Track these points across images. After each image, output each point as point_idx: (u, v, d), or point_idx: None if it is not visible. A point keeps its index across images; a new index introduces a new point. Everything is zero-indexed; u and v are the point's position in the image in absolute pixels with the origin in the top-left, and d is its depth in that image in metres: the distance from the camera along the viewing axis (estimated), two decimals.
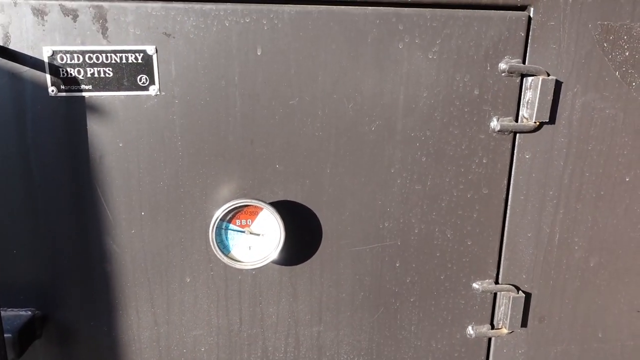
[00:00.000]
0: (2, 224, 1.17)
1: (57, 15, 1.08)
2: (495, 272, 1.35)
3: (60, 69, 1.10)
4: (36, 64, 1.09)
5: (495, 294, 1.35)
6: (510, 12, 1.18)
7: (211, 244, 1.17)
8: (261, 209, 1.17)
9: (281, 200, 1.23)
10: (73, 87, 1.11)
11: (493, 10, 1.18)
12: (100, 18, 1.09)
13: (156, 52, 1.11)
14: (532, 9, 1.19)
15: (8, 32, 1.07)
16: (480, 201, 1.28)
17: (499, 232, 1.31)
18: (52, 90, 1.11)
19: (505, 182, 1.28)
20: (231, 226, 1.18)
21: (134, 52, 1.11)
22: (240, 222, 1.18)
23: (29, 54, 1.09)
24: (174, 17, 1.10)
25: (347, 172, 1.23)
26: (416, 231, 1.29)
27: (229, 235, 1.18)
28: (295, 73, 1.16)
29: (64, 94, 1.11)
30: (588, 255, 1.36)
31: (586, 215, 1.33)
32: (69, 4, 1.07)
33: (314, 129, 1.19)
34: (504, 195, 1.29)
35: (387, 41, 1.16)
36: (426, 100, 1.20)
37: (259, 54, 1.14)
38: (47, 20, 1.08)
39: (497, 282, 1.35)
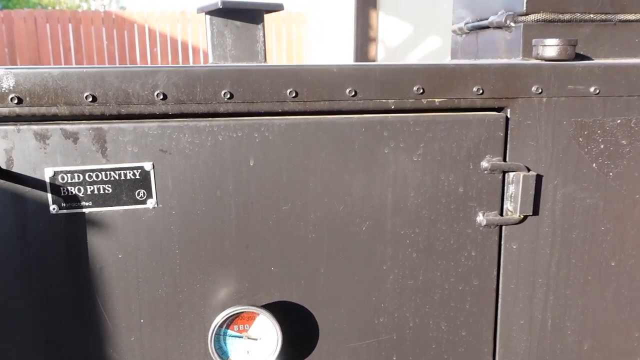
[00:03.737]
0: (5, 339, 1.18)
1: (59, 138, 1.13)
2: None
3: (61, 188, 1.15)
4: (38, 184, 1.14)
5: None
6: (489, 113, 1.25)
7: (210, 351, 1.19)
8: (258, 314, 1.20)
9: (277, 302, 1.26)
10: (74, 205, 1.16)
11: (472, 113, 1.25)
12: (100, 139, 1.14)
13: (153, 167, 1.17)
14: (508, 110, 1.26)
15: (11, 156, 1.12)
16: (472, 292, 1.32)
17: (492, 321, 1.34)
18: (54, 209, 1.15)
19: (495, 272, 1.32)
20: (229, 332, 1.20)
21: (132, 169, 1.16)
22: (238, 327, 1.21)
23: (31, 175, 1.14)
24: (169, 134, 1.16)
25: (341, 270, 1.26)
26: (411, 324, 1.31)
27: (227, 341, 1.20)
28: (287, 180, 1.21)
29: (64, 211, 1.16)
30: (581, 339, 1.39)
31: (576, 300, 1.36)
32: (70, 128, 1.13)
33: (306, 232, 1.24)
34: (495, 285, 1.33)
35: (373, 147, 1.22)
36: (413, 199, 1.25)
37: (251, 164, 1.19)
38: (48, 144, 1.13)
39: None
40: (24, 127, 1.12)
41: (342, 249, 1.25)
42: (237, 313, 1.18)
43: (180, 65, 1.42)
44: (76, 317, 1.20)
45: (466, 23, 1.70)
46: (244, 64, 1.43)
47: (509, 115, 1.25)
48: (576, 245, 1.33)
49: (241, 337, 1.20)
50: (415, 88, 1.21)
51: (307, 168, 1.21)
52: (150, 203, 1.18)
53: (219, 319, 1.18)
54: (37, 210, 1.15)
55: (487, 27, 1.58)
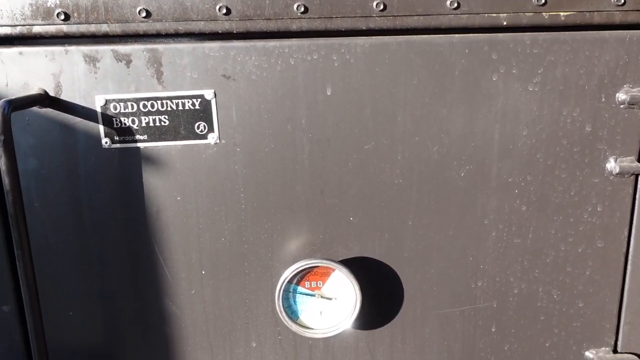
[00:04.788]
0: (57, 285, 1.08)
1: (110, 61, 0.99)
2: (614, 338, 1.12)
3: (114, 119, 1.01)
4: (88, 114, 1.01)
5: None
6: (630, 31, 0.98)
7: (278, 310, 1.03)
8: (333, 270, 1.02)
9: (356, 257, 1.07)
10: (127, 138, 1.02)
11: (608, 31, 0.98)
12: (155, 62, 0.99)
13: (215, 96, 1.00)
14: None
15: (59, 82, 0.99)
16: (595, 256, 1.08)
17: (618, 291, 1.10)
18: (106, 142, 1.02)
19: (626, 232, 1.07)
20: (300, 289, 1.04)
21: (191, 97, 1.00)
22: (310, 284, 1.04)
23: (81, 104, 1.00)
24: (233, 57, 0.98)
25: (433, 224, 1.06)
26: (516, 291, 1.09)
27: (297, 299, 1.04)
28: (370, 114, 1.01)
29: (118, 145, 1.02)
30: None
31: None
32: (121, 49, 0.98)
33: (392, 176, 1.04)
34: (624, 249, 1.08)
35: (478, 73, 0.99)
36: (526, 139, 1.02)
37: (329, 94, 1.00)
38: (99, 67, 0.99)
39: (615, 351, 1.13)
40: (72, 49, 0.98)
41: (435, 198, 1.04)
42: (309, 267, 1.02)
43: None
44: (130, 265, 1.08)
45: None
46: None
47: None
48: None
49: (313, 295, 1.04)
50: None
51: (395, 99, 1.00)
52: (212, 138, 1.02)
53: (288, 272, 1.01)
54: (87, 144, 1.02)
55: None
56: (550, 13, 0.98)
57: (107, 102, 1.00)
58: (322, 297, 1.03)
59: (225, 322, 1.11)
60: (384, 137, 1.02)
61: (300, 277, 1.04)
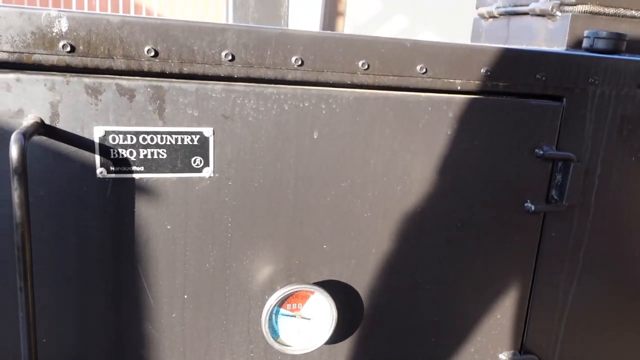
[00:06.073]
0: (40, 306, 1.07)
1: (113, 94, 1.02)
2: (520, 342, 1.40)
3: (112, 150, 1.04)
4: (85, 144, 1.02)
5: None
6: (548, 101, 1.25)
7: (264, 331, 1.13)
8: (312, 292, 1.15)
9: (326, 280, 1.21)
10: (123, 169, 1.05)
11: (534, 100, 1.24)
12: (158, 98, 1.04)
13: (213, 134, 1.08)
14: (564, 99, 1.26)
15: (57, 111, 1.00)
16: (511, 276, 1.34)
17: (526, 303, 1.37)
18: (101, 172, 1.04)
19: (534, 258, 1.34)
20: (282, 311, 1.15)
21: (190, 133, 1.07)
22: (291, 306, 1.16)
23: (78, 133, 1.02)
24: (234, 99, 1.07)
25: (393, 251, 1.24)
26: (450, 307, 1.32)
27: (278, 320, 1.15)
28: (349, 156, 1.16)
29: (112, 175, 1.05)
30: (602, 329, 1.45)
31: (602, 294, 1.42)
32: (126, 84, 1.02)
33: (362, 210, 1.20)
34: (532, 270, 1.35)
35: (437, 127, 1.19)
36: (470, 183, 1.24)
37: (315, 137, 1.13)
38: (100, 100, 1.02)
39: (520, 352, 1.40)
40: (74, 79, 1.00)
41: (396, 229, 1.23)
42: (293, 291, 1.13)
43: (251, 25, 1.32)
44: (115, 289, 1.11)
45: (497, 7, 1.69)
46: (317, 30, 1.34)
47: (564, 105, 1.26)
48: (608, 235, 1.38)
49: (294, 316, 1.16)
50: (483, 70, 1.19)
51: (370, 145, 1.16)
52: (207, 172, 1.09)
53: (277, 296, 1.12)
54: (82, 173, 1.04)
55: (523, 13, 1.58)
56: (492, 82, 1.21)
57: (106, 133, 1.03)
58: (301, 317, 1.15)
59: (202, 343, 1.18)
60: (358, 177, 1.18)
61: (283, 300, 1.15)
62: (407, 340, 1.30)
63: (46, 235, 1.04)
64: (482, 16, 1.77)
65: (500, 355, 1.38)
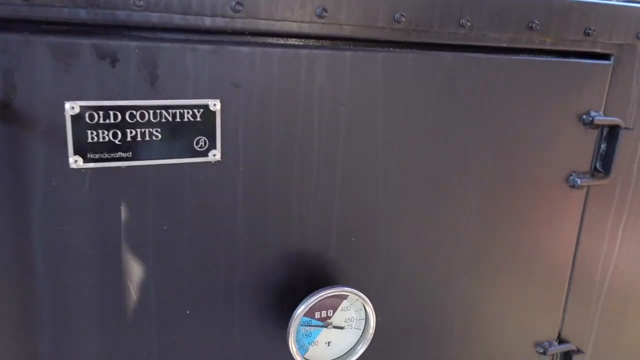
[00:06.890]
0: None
1: (90, 58, 0.76)
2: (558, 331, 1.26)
3: (89, 132, 0.79)
4: (53, 125, 0.77)
5: None
6: (598, 61, 1.09)
7: (290, 345, 0.92)
8: (346, 296, 0.96)
9: (355, 280, 1.02)
10: (105, 156, 0.81)
11: (582, 60, 1.08)
12: (149, 63, 0.79)
13: (221, 107, 0.85)
14: (612, 57, 1.11)
15: (13, 83, 0.74)
16: (552, 251, 1.19)
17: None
18: (75, 161, 0.79)
19: (576, 233, 1.20)
20: (311, 321, 0.94)
21: (191, 107, 0.83)
22: (320, 314, 0.95)
23: (42, 112, 0.76)
24: (244, 60, 0.84)
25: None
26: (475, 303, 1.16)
27: (303, 332, 0.95)
28: (383, 120, 0.96)
29: (91, 164, 0.80)
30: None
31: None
32: (105, 44, 0.77)
33: (397, 189, 1.00)
34: (574, 245, 1.21)
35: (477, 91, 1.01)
36: (507, 150, 1.07)
37: (343, 109, 0.92)
38: (71, 65, 0.76)
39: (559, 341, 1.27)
40: (34, 39, 0.74)
41: (431, 208, 1.04)
42: (325, 297, 0.93)
43: None
44: (101, 311, 0.87)
45: None
46: None
47: (613, 64, 1.11)
48: None
49: (324, 326, 0.95)
50: (530, 24, 1.01)
51: (406, 117, 0.97)
52: (213, 155, 0.86)
53: (306, 304, 0.91)
54: (49, 164, 0.78)
55: None
56: (540, 38, 1.03)
57: (81, 109, 0.78)
58: (334, 327, 0.95)
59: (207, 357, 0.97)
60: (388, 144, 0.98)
61: (310, 307, 0.94)
62: (443, 330, 1.14)
63: (7, 246, 0.79)
64: None
65: (538, 347, 1.24)
